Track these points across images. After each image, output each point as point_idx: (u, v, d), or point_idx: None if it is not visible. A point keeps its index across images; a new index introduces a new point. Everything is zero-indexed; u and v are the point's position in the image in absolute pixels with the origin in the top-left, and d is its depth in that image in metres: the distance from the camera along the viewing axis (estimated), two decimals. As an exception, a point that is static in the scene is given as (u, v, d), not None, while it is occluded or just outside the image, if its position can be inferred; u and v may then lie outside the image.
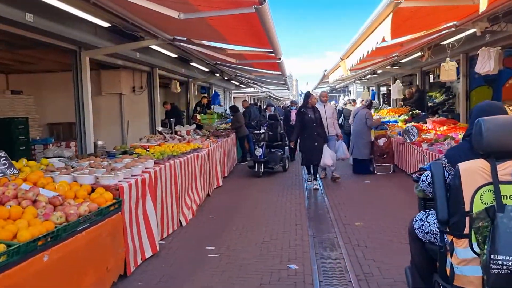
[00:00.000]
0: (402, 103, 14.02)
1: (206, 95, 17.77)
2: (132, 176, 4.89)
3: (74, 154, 9.12)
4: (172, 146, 7.38)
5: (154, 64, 11.77)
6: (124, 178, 4.68)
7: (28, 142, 11.08)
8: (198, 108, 15.56)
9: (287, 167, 11.30)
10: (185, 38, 8.21)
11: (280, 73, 11.86)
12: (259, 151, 10.35)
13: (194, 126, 11.72)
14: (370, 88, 19.75)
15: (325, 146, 8.94)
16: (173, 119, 10.44)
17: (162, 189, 5.64)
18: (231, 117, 13.34)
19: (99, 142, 6.69)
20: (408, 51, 10.90)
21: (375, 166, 10.37)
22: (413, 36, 7.90)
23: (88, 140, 8.57)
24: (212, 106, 17.47)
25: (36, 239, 3.01)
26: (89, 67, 8.60)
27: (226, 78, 19.62)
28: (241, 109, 15.60)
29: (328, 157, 8.95)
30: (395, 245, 5.31)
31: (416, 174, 3.42)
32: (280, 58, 8.45)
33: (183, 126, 11.61)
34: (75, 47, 8.26)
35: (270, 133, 10.66)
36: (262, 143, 10.43)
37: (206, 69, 15.30)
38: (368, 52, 6.21)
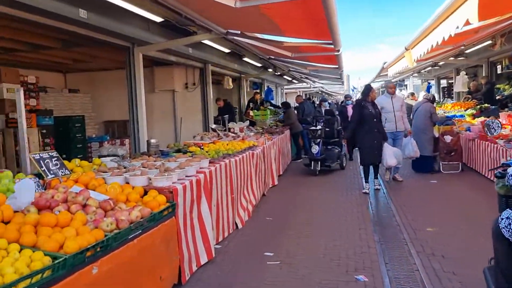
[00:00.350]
0: (469, 96, 13.03)
1: (258, 91, 17.44)
2: (186, 176, 4.58)
3: (128, 152, 9.04)
4: (227, 144, 7.05)
5: (207, 60, 11.55)
6: (178, 180, 4.37)
7: (85, 139, 11.17)
8: (251, 105, 15.23)
9: (344, 165, 10.73)
10: (239, 32, 7.85)
11: (336, 66, 11.28)
12: (315, 149, 9.86)
13: (247, 122, 11.40)
14: (428, 81, 18.60)
15: (386, 144, 8.05)
16: (227, 115, 10.14)
17: (218, 190, 5.31)
18: (283, 114, 12.92)
19: (152, 141, 6.47)
20: (479, 39, 10.01)
21: (441, 164, 9.59)
22: (490, 20, 7.09)
23: (141, 137, 8.43)
24: (265, 102, 17.15)
25: (84, 250, 2.72)
26: (143, 64, 8.46)
27: (278, 73, 19.23)
28: (294, 105, 15.22)
29: (391, 156, 7.97)
30: (475, 254, 4.68)
31: (499, 170, 3.22)
32: (338, 50, 7.92)
33: (236, 123, 11.31)
34: (128, 44, 8.12)
35: (327, 129, 10.13)
36: (318, 140, 9.93)
37: (259, 64, 14.95)
38: (444, 38, 5.54)
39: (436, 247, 5.05)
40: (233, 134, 9.31)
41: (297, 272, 4.49)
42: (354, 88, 46.14)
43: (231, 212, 5.79)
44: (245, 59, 13.36)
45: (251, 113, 14.35)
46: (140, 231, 3.40)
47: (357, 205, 7.22)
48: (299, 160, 12.41)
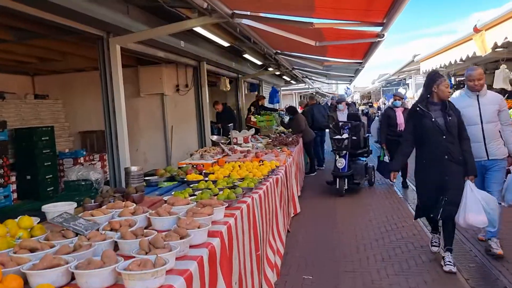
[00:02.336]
0: None
1: (259, 94, 15.42)
2: (190, 247, 2.44)
3: (103, 176, 6.88)
4: (239, 166, 4.93)
5: (202, 56, 9.42)
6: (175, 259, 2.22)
7: (55, 156, 8.93)
8: (252, 109, 13.13)
9: (373, 180, 8.66)
10: (249, 12, 5.74)
11: (360, 61, 9.22)
12: (341, 162, 7.77)
13: (252, 131, 9.28)
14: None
15: (469, 183, 4.25)
16: (231, 124, 7.98)
17: (240, 254, 3.18)
18: (290, 121, 10.79)
19: (133, 169, 4.29)
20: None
21: None
22: None
23: (121, 155, 6.25)
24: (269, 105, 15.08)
25: None
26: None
27: (278, 73, 17.15)
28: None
29: (477, 208, 4.11)
30: None
31: None
32: (383, 35, 5.85)
33: (239, 131, 9.18)
34: (102, 33, 5.98)
35: (353, 138, 8.05)
36: (344, 151, 7.85)
37: (259, 62, 12.85)
38: None
39: None
40: (240, 149, 7.19)
41: None
42: (348, 88, 43.82)
43: (257, 278, 3.66)
44: (246, 55, 11.24)
45: (253, 118, 12.24)
46: None
47: (413, 239, 5.20)
48: (312, 174, 10.32)
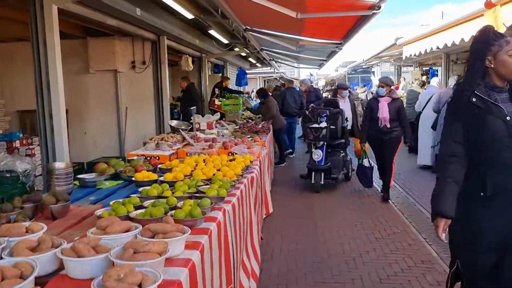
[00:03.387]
0: None
1: (224, 75, 14.24)
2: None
3: (34, 166, 5.60)
4: (204, 162, 3.84)
5: (162, 29, 8.17)
6: None
7: (-16, 139, 7.49)
8: (216, 91, 11.97)
9: (351, 174, 7.76)
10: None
11: (339, 42, 8.22)
12: (318, 155, 6.81)
13: (217, 115, 8.15)
14: (430, 67, 15.79)
15: None
16: (194, 107, 6.80)
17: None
18: (260, 105, 9.70)
19: (58, 165, 3.10)
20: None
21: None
22: None
23: (58, 142, 5.03)
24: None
25: None
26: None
27: (244, 55, 16.00)
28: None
29: None
30: None
31: None
32: (379, 7, 4.86)
33: (203, 115, 8.03)
34: (33, -13, 4.70)
35: (332, 127, 7.09)
36: (322, 142, 6.89)
37: (226, 41, 11.65)
38: None
39: None
40: (204, 136, 6.07)
41: None
42: (311, 75, 42.83)
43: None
44: (212, 32, 10.03)
45: (217, 101, 11.09)
46: None
47: (410, 250, 4.30)
48: (282, 165, 9.34)
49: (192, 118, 6.70)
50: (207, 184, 3.05)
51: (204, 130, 7.72)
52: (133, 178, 3.33)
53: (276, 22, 7.30)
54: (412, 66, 19.60)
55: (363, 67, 23.76)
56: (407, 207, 6.13)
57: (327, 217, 5.64)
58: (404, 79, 20.11)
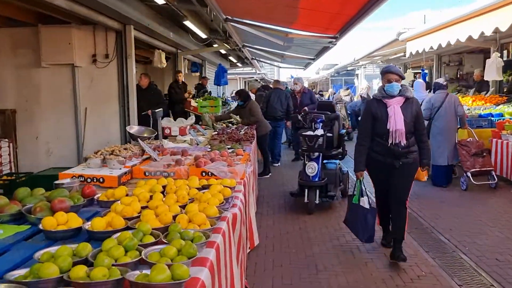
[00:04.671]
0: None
1: (202, 75, 12.98)
2: None
3: None
4: (163, 191, 2.57)
5: (128, 16, 6.88)
6: None
7: None
8: (192, 91, 10.67)
9: (347, 189, 6.56)
10: None
11: (334, 35, 7.02)
12: (312, 168, 5.58)
13: (192, 119, 6.84)
14: (422, 68, 14.70)
15: None
16: (160, 109, 5.42)
17: None
18: (240, 108, 8.38)
19: None
20: None
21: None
22: None
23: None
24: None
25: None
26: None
27: (224, 52, 14.73)
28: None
29: None
30: None
31: None
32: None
33: (174, 119, 6.71)
34: None
35: (328, 135, 5.88)
36: (316, 153, 5.67)
37: (204, 35, 10.36)
38: None
39: None
40: (172, 146, 4.78)
41: None
42: (292, 76, 41.65)
43: None
44: (187, 23, 8.73)
45: (193, 102, 9.79)
46: None
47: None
48: (266, 176, 8.09)
49: (158, 124, 5.36)
50: (157, 243, 1.79)
51: (176, 136, 6.46)
52: (40, 226, 2.03)
53: (263, 10, 6.07)
54: (400, 68, 18.64)
55: (348, 69, 22.75)
56: (422, 235, 4.95)
57: (330, 255, 4.39)
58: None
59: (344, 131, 6.39)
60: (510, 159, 6.72)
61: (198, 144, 5.75)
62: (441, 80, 7.29)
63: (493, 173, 6.84)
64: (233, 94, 10.60)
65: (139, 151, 3.90)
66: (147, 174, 3.46)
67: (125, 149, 3.77)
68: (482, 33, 6.65)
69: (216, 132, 6.71)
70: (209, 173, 3.38)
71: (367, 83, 18.68)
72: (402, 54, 13.94)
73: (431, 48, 7.12)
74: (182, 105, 9.63)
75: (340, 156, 6.33)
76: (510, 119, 7.32)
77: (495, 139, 7.07)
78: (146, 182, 2.77)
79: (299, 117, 6.19)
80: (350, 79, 26.75)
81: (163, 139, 5.59)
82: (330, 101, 7.04)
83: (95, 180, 3.15)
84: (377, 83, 18.32)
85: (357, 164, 4.19)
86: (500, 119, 7.71)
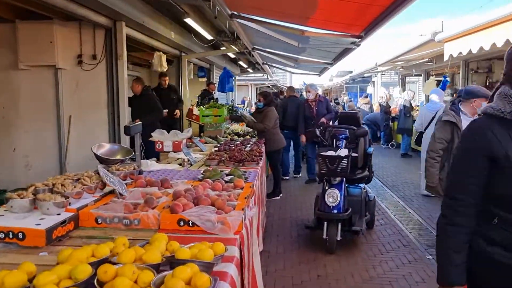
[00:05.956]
0: None
1: (209, 80, 11.90)
2: None
3: None
4: (96, 280, 1.42)
5: (118, 11, 5.83)
6: None
7: None
8: (198, 99, 9.60)
9: (373, 218, 5.36)
10: None
11: (359, 34, 5.85)
12: (334, 197, 4.42)
13: (189, 132, 5.72)
14: (444, 75, 13.38)
15: None
16: (138, 123, 4.22)
17: None
18: (257, 113, 7.13)
19: None
20: None
21: None
22: None
23: None
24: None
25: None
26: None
27: (233, 56, 13.65)
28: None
29: None
30: None
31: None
32: None
33: (167, 131, 5.61)
34: None
35: (354, 154, 4.72)
36: (339, 178, 4.51)
37: (209, 36, 9.28)
38: None
39: None
40: (158, 168, 3.68)
41: None
42: (305, 83, 40.44)
43: None
44: (189, 21, 7.64)
45: (196, 110, 8.68)
46: None
47: None
48: (277, 198, 6.93)
49: (138, 144, 4.24)
50: None
51: (169, 152, 5.34)
52: None
53: (274, 3, 4.95)
54: (421, 75, 17.36)
55: (365, 75, 21.52)
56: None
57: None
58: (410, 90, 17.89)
59: (372, 149, 5.19)
60: None
61: (191, 165, 4.63)
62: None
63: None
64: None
65: (99, 183, 2.78)
66: (99, 221, 2.35)
67: (82, 179, 2.66)
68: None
69: (216, 148, 5.59)
70: (187, 221, 2.26)
71: (386, 91, 17.43)
72: (427, 59, 12.68)
73: (470, 51, 5.93)
74: (170, 116, 8.35)
75: (366, 180, 5.16)
76: None
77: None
78: (71, 254, 1.64)
79: (317, 131, 5.01)
80: (365, 87, 25.49)
81: (149, 160, 4.49)
82: (355, 111, 5.89)
83: (11, 236, 2.04)
84: (398, 91, 16.97)
85: (444, 268, 1.77)
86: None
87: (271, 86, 28.36)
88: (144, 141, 4.95)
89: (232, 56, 13.71)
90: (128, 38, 6.97)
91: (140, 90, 7.04)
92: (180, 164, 4.54)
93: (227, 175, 3.66)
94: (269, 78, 21.83)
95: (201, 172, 3.78)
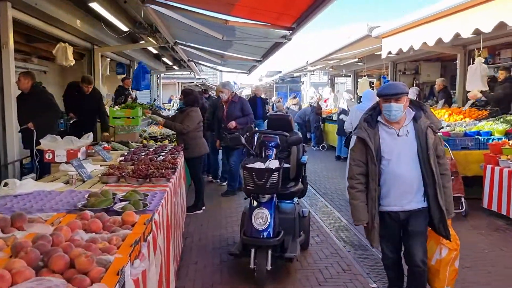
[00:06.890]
0: (486, 95, 7.69)
1: (126, 76, 10.73)
2: None
3: None
4: None
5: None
6: None
7: None
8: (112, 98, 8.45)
9: (308, 237, 4.65)
10: None
11: (289, 26, 5.08)
12: (263, 218, 3.64)
13: (89, 138, 4.68)
14: (383, 76, 13.07)
15: None
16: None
17: None
18: (179, 113, 6.17)
19: None
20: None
21: None
22: None
23: None
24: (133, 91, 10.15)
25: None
26: None
27: (155, 52, 12.52)
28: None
29: None
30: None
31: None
32: None
33: (61, 136, 4.53)
34: None
35: (286, 165, 3.96)
36: (269, 195, 3.73)
37: (124, 27, 8.15)
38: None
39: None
40: (28, 192, 2.65)
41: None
42: (235, 83, 39.79)
43: None
44: (94, 5, 6.50)
45: (109, 112, 7.53)
46: None
47: None
48: (199, 211, 6.03)
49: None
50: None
51: (62, 163, 4.28)
52: None
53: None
54: (349, 76, 17.26)
55: (294, 75, 21.19)
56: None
57: None
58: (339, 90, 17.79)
59: (306, 158, 4.48)
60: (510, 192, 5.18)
61: (84, 181, 3.63)
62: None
63: (463, 199, 5.57)
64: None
65: None
66: None
67: None
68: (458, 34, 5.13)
69: (123, 158, 4.59)
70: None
71: (315, 91, 17.09)
72: (357, 60, 12.39)
73: (412, 47, 5.45)
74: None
75: (300, 193, 4.44)
76: (507, 139, 5.77)
77: (490, 165, 5.50)
78: None
79: (242, 140, 4.16)
80: (295, 86, 25.26)
81: (25, 177, 3.43)
82: (286, 115, 5.16)
83: None
84: (328, 92, 16.71)
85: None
86: (489, 138, 6.19)
87: (199, 85, 27.29)
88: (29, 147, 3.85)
89: (155, 51, 12.58)
90: (19, 23, 5.75)
91: (29, 87, 5.73)
92: (66, 182, 3.51)
93: (121, 199, 2.73)
94: (197, 76, 20.79)
95: (86, 194, 2.81)
